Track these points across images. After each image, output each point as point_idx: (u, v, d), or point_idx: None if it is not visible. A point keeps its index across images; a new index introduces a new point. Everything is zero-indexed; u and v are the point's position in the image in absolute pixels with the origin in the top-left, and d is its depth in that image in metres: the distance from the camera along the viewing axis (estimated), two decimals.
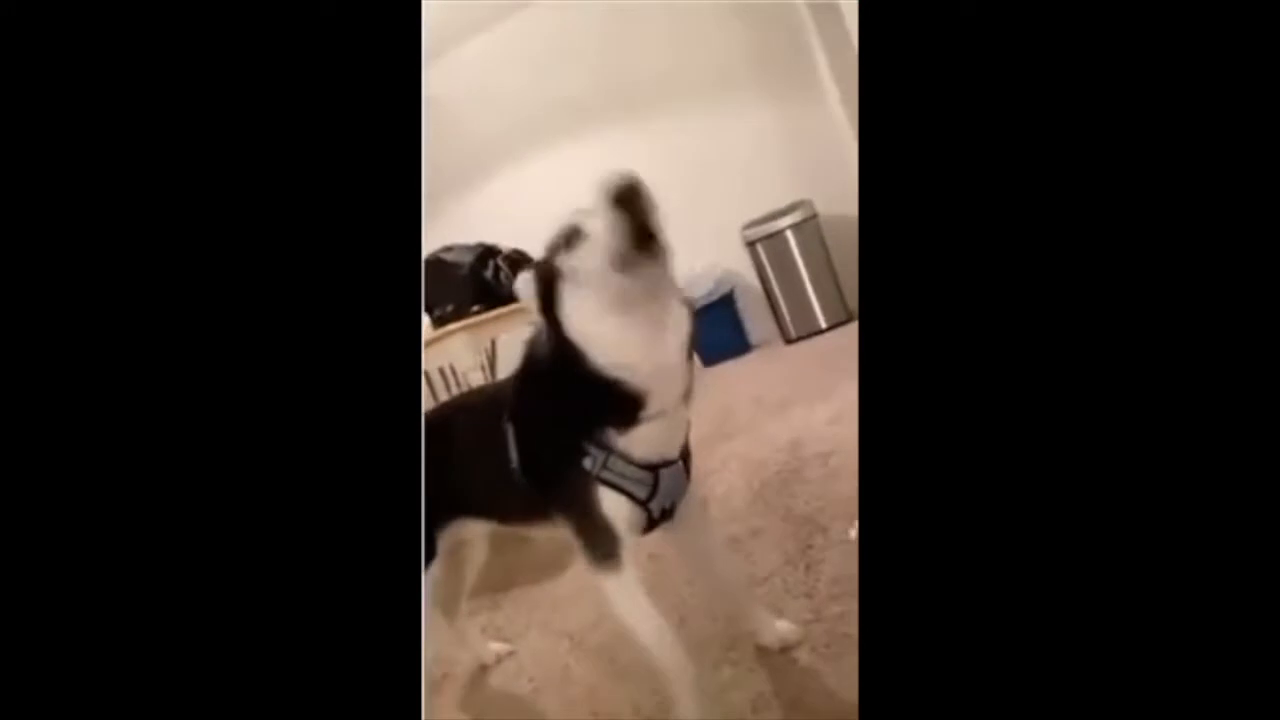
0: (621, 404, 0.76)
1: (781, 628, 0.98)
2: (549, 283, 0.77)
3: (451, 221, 4.07)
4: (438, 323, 2.22)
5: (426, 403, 1.83)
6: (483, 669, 1.31)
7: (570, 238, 0.75)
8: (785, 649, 0.96)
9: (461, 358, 1.96)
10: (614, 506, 0.80)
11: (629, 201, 0.66)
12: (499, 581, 1.58)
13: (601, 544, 0.82)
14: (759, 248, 3.45)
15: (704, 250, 3.64)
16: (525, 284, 0.81)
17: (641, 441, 0.80)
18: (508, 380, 0.94)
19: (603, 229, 0.69)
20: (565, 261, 0.75)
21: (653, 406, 0.77)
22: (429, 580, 1.06)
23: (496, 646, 1.32)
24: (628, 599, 0.83)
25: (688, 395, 0.83)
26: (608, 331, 0.74)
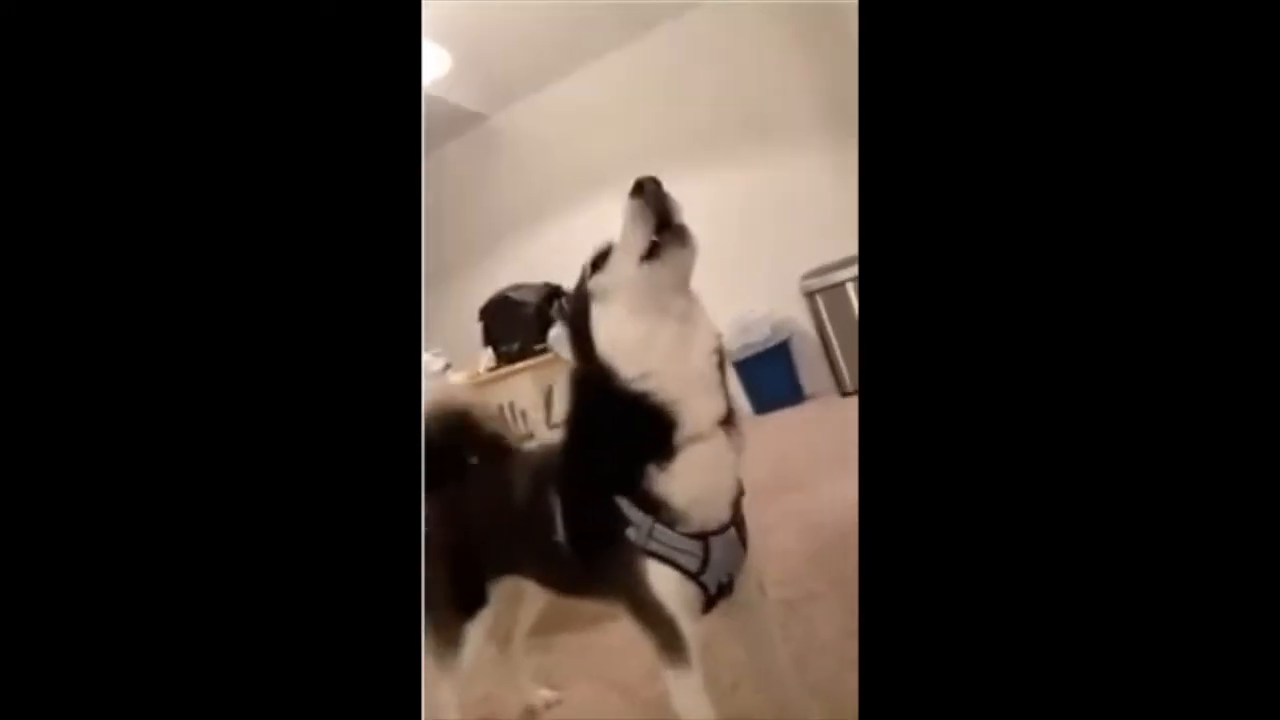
0: (654, 423, 0.74)
1: None
2: (582, 310, 0.79)
3: (521, 261, 4.22)
4: (503, 359, 2.30)
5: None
6: (529, 713, 1.31)
7: (600, 257, 0.79)
8: None
9: (524, 396, 2.02)
10: (664, 583, 0.77)
11: (649, 191, 0.73)
12: (551, 624, 1.58)
13: (665, 635, 0.79)
14: (818, 298, 3.44)
15: (759, 296, 3.66)
16: (557, 333, 0.84)
17: (683, 482, 0.76)
18: (556, 445, 0.92)
19: (628, 224, 0.74)
20: (596, 281, 0.78)
21: (687, 424, 0.74)
22: (480, 623, 1.07)
23: (545, 693, 1.33)
24: (690, 698, 0.81)
25: (729, 426, 0.79)
26: (634, 335, 0.75)
